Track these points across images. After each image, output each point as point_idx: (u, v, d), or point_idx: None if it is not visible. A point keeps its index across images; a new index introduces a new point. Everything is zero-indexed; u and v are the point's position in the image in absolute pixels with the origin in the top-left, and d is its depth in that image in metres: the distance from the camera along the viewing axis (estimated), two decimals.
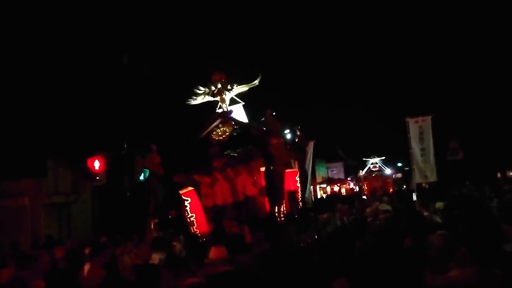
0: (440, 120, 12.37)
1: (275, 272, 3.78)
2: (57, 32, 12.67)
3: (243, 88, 8.46)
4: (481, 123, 23.96)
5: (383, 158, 31.83)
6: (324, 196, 26.20)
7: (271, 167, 7.22)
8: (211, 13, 23.28)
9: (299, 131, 9.24)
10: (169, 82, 15.61)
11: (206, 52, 18.82)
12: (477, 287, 3.11)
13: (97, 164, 12.19)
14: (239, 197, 7.76)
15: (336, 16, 33.55)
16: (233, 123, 8.17)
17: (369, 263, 4.15)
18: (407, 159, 11.60)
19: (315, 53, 35.90)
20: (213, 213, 7.81)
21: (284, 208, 7.34)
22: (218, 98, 8.36)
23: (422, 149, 10.93)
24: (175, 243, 6.94)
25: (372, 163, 31.69)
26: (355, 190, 30.19)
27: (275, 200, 7.16)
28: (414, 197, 12.14)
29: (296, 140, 9.17)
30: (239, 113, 8.49)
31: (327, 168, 36.44)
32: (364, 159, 32.24)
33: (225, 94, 8.32)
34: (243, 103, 8.58)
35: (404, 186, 25.12)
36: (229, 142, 8.06)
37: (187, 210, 7.55)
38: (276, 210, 7.17)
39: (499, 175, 20.38)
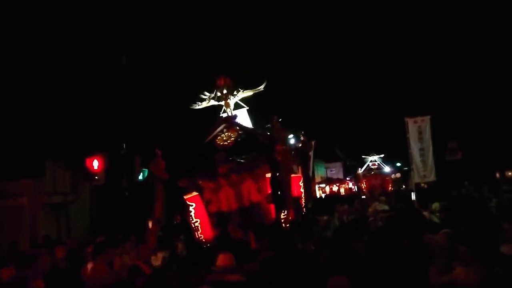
0: (439, 120, 12.40)
1: (281, 279, 3.76)
2: (56, 32, 12.64)
3: (248, 93, 8.42)
4: (480, 123, 23.99)
5: (382, 156, 31.84)
6: (323, 196, 26.20)
7: (277, 174, 7.18)
8: (214, 17, 23.31)
9: (302, 136, 9.24)
10: (170, 84, 15.61)
11: (208, 55, 18.81)
12: (481, 286, 3.11)
13: (96, 164, 12.17)
14: (244, 203, 7.73)
15: (336, 15, 33.59)
16: (237, 128, 8.14)
17: (369, 262, 4.15)
18: (406, 159, 11.62)
19: (315, 53, 35.95)
20: (217, 219, 7.76)
21: (289, 215, 7.30)
22: (222, 103, 8.33)
23: (421, 149, 10.95)
24: (176, 242, 6.94)
25: (371, 161, 31.68)
26: (353, 190, 30.18)
27: (281, 207, 7.12)
28: (413, 197, 12.15)
29: (300, 145, 9.16)
30: (243, 118, 8.47)
31: (326, 168, 36.49)
32: (363, 156, 32.24)
33: (230, 99, 8.28)
34: (247, 108, 8.55)
35: (403, 186, 25.12)
36: (234, 147, 8.02)
37: (191, 215, 7.48)
38: (282, 217, 7.13)
39: (497, 175, 20.39)
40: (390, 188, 27.26)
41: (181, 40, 19.78)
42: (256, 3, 26.10)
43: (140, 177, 14.39)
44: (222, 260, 4.69)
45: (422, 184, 13.46)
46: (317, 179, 28.82)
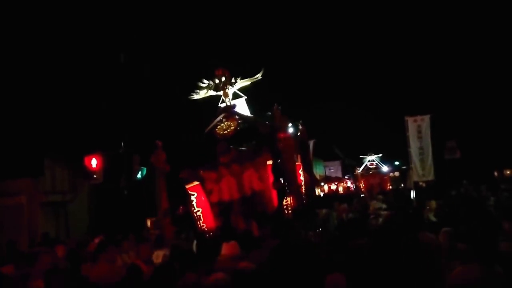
0: (437, 119, 12.42)
1: (287, 268, 3.75)
2: (55, 31, 12.60)
3: (246, 82, 8.42)
4: (478, 122, 24.04)
5: (380, 155, 31.88)
6: (322, 194, 26.21)
7: (279, 162, 7.19)
8: (212, 10, 23.24)
9: (301, 125, 9.23)
10: (168, 79, 15.57)
11: (207, 50, 18.77)
12: (481, 285, 3.11)
13: (94, 163, 12.17)
14: (246, 192, 7.73)
15: (335, 15, 33.58)
16: (237, 117, 8.14)
17: (368, 261, 4.15)
18: (405, 157, 11.68)
19: (314, 53, 35.93)
20: (219, 209, 7.79)
21: (291, 203, 7.32)
22: (221, 93, 8.32)
23: (420, 148, 10.99)
24: (177, 241, 6.94)
25: (369, 160, 31.72)
26: (351, 189, 30.21)
27: (283, 195, 7.14)
28: (412, 195, 12.19)
29: (299, 134, 9.16)
30: (242, 107, 8.46)
31: (325, 166, 36.50)
32: (361, 156, 32.28)
33: (228, 89, 8.27)
34: (246, 97, 8.54)
35: (402, 185, 25.17)
36: (234, 137, 8.03)
37: (193, 205, 7.52)
38: (284, 205, 7.15)
39: (496, 174, 20.45)
40: (388, 187, 27.31)
41: (178, 33, 19.74)
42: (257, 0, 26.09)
43: (139, 175, 14.38)
44: (227, 248, 4.68)
45: (421, 183, 13.52)
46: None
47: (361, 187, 27.27)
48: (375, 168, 31.40)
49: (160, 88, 15.31)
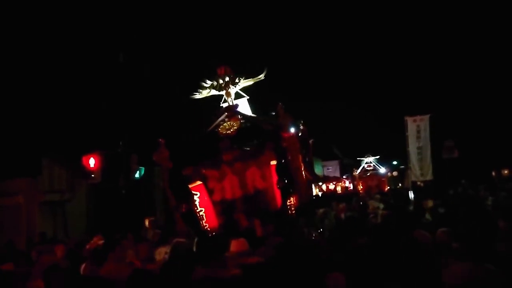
0: (436, 119, 12.46)
1: (293, 265, 3.76)
2: (54, 30, 12.58)
3: (249, 82, 8.39)
4: (477, 122, 24.11)
5: (378, 157, 31.93)
6: (320, 194, 26.22)
7: (283, 161, 7.20)
8: (212, 9, 23.18)
9: (302, 125, 9.24)
10: (168, 78, 15.53)
11: (207, 49, 18.73)
12: (473, 282, 3.14)
13: (92, 162, 12.12)
14: (249, 191, 7.74)
15: (335, 15, 33.60)
16: (239, 117, 8.13)
17: (367, 260, 4.16)
18: (403, 157, 11.71)
19: (312, 52, 35.93)
20: (222, 207, 7.79)
21: (294, 201, 7.33)
22: (223, 92, 8.29)
23: (419, 148, 11.02)
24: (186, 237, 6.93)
25: (366, 163, 31.77)
26: (349, 189, 30.26)
27: (287, 193, 7.15)
28: (411, 195, 12.21)
29: (300, 134, 9.18)
30: (244, 107, 8.45)
31: (323, 166, 36.52)
32: (358, 158, 32.33)
33: (231, 88, 8.25)
34: (248, 97, 8.52)
35: (400, 185, 25.22)
36: (237, 136, 8.02)
37: (196, 204, 7.52)
38: (288, 203, 7.17)
39: (494, 173, 20.51)
40: (386, 188, 27.37)
41: (180, 32, 19.72)
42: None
43: (137, 175, 14.35)
44: (235, 245, 4.67)
45: (419, 183, 13.55)
46: None
47: (359, 188, 27.35)
48: (372, 170, 31.46)
49: (160, 88, 15.29)
